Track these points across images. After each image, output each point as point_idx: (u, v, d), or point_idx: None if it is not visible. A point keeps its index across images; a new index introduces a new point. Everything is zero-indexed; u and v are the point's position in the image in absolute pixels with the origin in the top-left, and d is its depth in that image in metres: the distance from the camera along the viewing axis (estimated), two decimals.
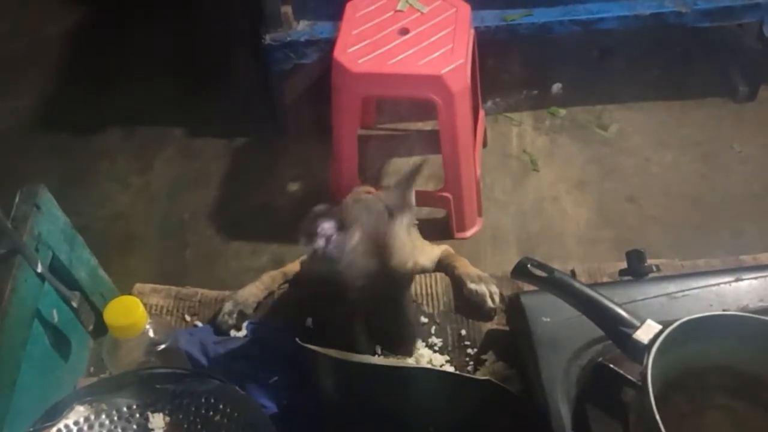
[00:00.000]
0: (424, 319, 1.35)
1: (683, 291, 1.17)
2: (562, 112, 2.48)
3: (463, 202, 2.04)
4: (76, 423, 1.02)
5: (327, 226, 1.09)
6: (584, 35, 2.27)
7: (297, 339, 1.13)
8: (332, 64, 1.89)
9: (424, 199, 2.11)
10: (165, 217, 2.27)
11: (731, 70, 2.48)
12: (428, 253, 1.45)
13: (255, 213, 2.25)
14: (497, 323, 1.33)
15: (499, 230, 2.15)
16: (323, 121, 2.09)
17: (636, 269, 1.24)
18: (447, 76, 1.81)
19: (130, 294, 1.39)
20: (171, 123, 2.54)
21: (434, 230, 2.03)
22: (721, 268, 1.30)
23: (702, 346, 0.98)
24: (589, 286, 1.05)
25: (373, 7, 2.02)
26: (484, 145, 2.34)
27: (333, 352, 1.06)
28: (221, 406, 1.04)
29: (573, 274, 1.37)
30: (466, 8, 2.00)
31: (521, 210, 2.21)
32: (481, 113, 2.27)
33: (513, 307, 1.22)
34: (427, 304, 1.37)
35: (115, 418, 1.04)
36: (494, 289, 1.35)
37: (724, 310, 1.12)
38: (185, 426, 1.04)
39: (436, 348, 1.30)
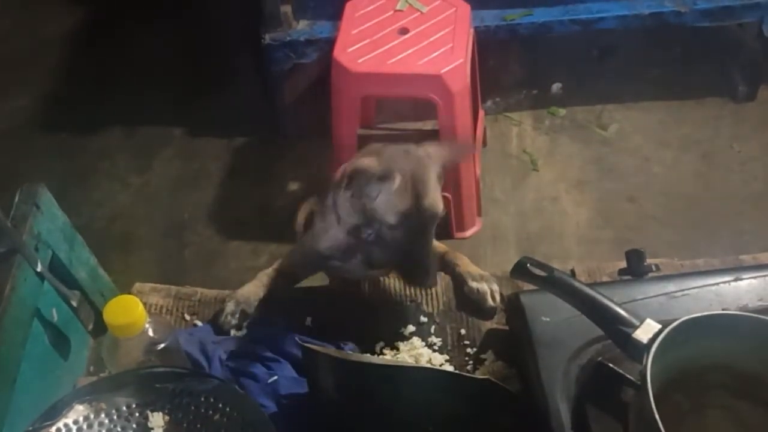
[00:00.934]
0: (423, 318, 1.35)
1: (683, 290, 1.17)
2: (562, 111, 2.49)
3: (462, 201, 2.04)
4: (75, 422, 1.02)
5: (374, 188, 1.20)
6: (584, 35, 2.27)
7: (297, 338, 1.13)
8: (332, 64, 1.89)
9: None
10: (165, 217, 2.27)
11: (731, 69, 2.48)
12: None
13: (255, 213, 2.26)
14: (497, 323, 1.33)
15: (498, 230, 2.15)
16: (323, 121, 2.09)
17: (635, 269, 1.24)
18: (447, 76, 1.81)
19: (129, 293, 1.39)
20: (171, 123, 2.54)
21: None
22: (721, 267, 1.30)
23: (701, 345, 0.98)
24: (589, 285, 1.05)
25: (372, 7, 2.02)
26: (484, 144, 2.34)
27: (333, 352, 1.06)
28: (221, 406, 1.04)
29: (573, 273, 1.37)
30: (466, 8, 2.00)
31: (521, 210, 2.21)
32: (481, 113, 2.27)
33: (512, 306, 1.22)
34: (427, 303, 1.37)
35: (115, 417, 1.04)
36: (495, 287, 1.35)
37: (723, 310, 1.12)
38: (185, 425, 1.04)
39: (436, 347, 1.30)
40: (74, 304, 1.28)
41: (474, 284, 1.35)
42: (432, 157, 1.24)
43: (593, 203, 2.21)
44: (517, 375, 1.20)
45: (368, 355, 1.12)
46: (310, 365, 1.14)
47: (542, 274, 1.07)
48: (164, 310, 1.40)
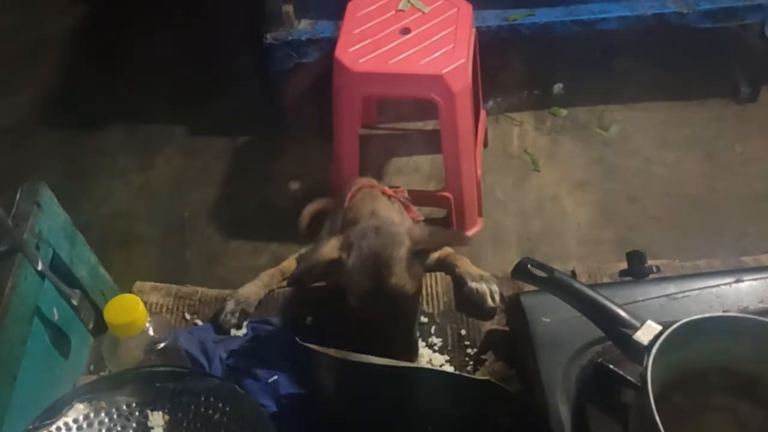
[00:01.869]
0: (423, 319, 1.34)
1: (684, 292, 1.16)
2: (564, 112, 2.48)
3: (463, 201, 2.04)
4: (75, 421, 1.02)
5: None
6: (586, 35, 2.27)
7: (297, 338, 1.13)
8: (333, 64, 1.89)
9: (424, 199, 2.11)
10: (166, 216, 2.27)
11: (733, 70, 2.48)
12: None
13: (255, 212, 2.26)
14: (497, 323, 1.33)
15: (499, 230, 2.15)
16: (324, 120, 2.09)
17: (636, 270, 1.24)
18: (448, 76, 1.81)
19: (130, 292, 1.39)
20: (172, 121, 2.54)
21: None
22: (722, 269, 1.30)
23: (702, 347, 0.98)
24: (590, 286, 1.04)
25: (374, 7, 2.01)
26: (485, 144, 2.34)
27: (332, 351, 1.06)
28: (221, 405, 1.04)
29: (573, 274, 1.37)
30: (468, 8, 2.00)
31: (522, 210, 2.21)
32: (482, 113, 2.27)
33: (513, 307, 1.22)
34: (427, 304, 1.37)
35: (115, 416, 1.04)
36: (495, 288, 1.35)
37: (724, 312, 1.12)
38: (184, 424, 1.05)
39: (436, 348, 1.30)
40: (75, 302, 1.28)
41: (474, 285, 1.35)
42: (411, 237, 1.18)
43: (594, 204, 2.21)
44: (517, 375, 1.20)
45: (368, 355, 1.12)
46: (309, 365, 1.14)
47: (543, 274, 1.07)
48: (164, 309, 1.40)
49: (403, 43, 1.90)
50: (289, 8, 2.15)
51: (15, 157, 2.42)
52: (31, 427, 0.99)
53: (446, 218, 2.09)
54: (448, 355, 1.29)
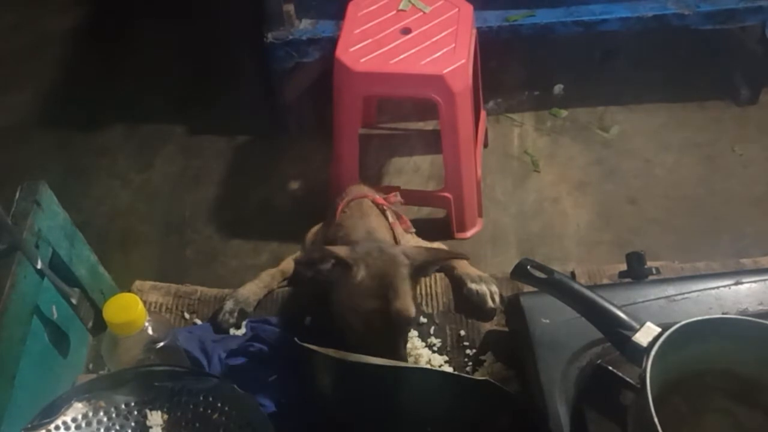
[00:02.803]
0: (423, 319, 1.35)
1: (683, 294, 1.17)
2: (564, 113, 2.48)
3: (463, 202, 2.04)
4: (74, 420, 1.02)
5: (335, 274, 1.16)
6: (586, 36, 2.27)
7: (295, 338, 1.13)
8: (334, 63, 1.88)
9: (424, 199, 2.11)
10: (165, 215, 2.27)
11: (733, 72, 2.48)
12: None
13: (255, 211, 2.25)
14: (496, 324, 1.33)
15: (499, 231, 2.15)
16: (324, 120, 2.09)
17: (636, 271, 1.24)
18: (449, 76, 1.81)
19: (129, 291, 1.39)
20: (172, 121, 2.54)
21: (434, 230, 2.02)
22: (721, 271, 1.30)
23: (701, 349, 0.98)
24: (589, 287, 1.05)
25: (375, 7, 2.01)
26: (485, 145, 2.34)
27: (331, 352, 1.06)
28: (220, 405, 1.04)
29: (573, 275, 1.37)
30: (469, 8, 2.00)
31: (522, 211, 2.21)
32: (483, 113, 2.27)
33: (512, 308, 1.22)
34: (427, 304, 1.37)
35: (114, 415, 1.04)
36: (494, 288, 1.35)
37: (723, 314, 1.12)
38: (183, 424, 1.04)
39: (435, 348, 1.30)
40: (74, 301, 1.28)
41: (473, 286, 1.35)
42: (409, 258, 1.18)
43: (594, 205, 2.21)
44: (516, 376, 1.20)
45: (367, 355, 1.12)
46: (308, 365, 1.14)
47: (542, 276, 1.07)
48: (164, 309, 1.40)
49: (404, 43, 1.90)
50: (289, 8, 2.15)
51: (15, 155, 2.41)
52: (30, 425, 0.99)
53: (446, 218, 2.09)
54: (447, 355, 1.29)
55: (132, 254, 2.14)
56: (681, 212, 2.17)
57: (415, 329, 1.32)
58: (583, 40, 2.38)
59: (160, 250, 2.17)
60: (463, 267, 1.40)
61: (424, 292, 1.39)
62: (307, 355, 1.10)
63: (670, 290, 1.17)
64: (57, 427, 1.01)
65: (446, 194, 2.03)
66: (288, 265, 1.46)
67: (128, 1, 3.01)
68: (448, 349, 1.31)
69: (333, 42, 1.96)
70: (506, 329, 1.30)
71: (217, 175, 2.37)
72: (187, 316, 1.39)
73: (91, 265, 1.37)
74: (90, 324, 1.34)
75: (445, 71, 1.81)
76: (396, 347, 1.15)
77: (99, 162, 2.44)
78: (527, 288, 1.15)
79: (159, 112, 2.56)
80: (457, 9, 1.98)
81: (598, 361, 1.09)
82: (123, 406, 1.05)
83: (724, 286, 1.17)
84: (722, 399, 1.03)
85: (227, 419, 1.03)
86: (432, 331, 1.33)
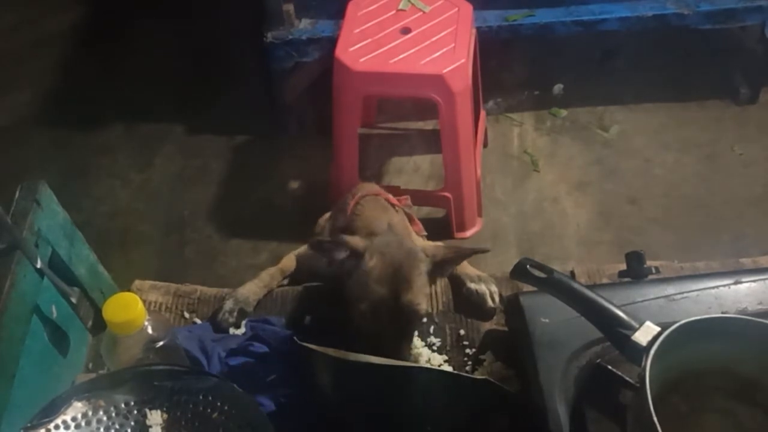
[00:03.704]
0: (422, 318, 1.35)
1: (682, 293, 1.17)
2: (564, 112, 2.48)
3: (463, 201, 2.04)
4: (74, 419, 1.02)
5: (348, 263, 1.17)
6: (586, 36, 2.27)
7: (295, 337, 1.13)
8: (334, 63, 1.89)
9: (424, 198, 2.11)
10: (165, 214, 2.27)
11: (733, 72, 2.47)
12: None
13: (255, 211, 2.25)
14: (496, 323, 1.33)
15: (499, 230, 2.15)
16: (324, 120, 2.09)
17: (635, 271, 1.24)
18: (448, 76, 1.81)
19: (129, 290, 1.39)
20: (172, 120, 2.54)
21: (434, 230, 2.02)
22: (721, 270, 1.30)
23: (700, 348, 0.98)
24: (588, 287, 1.05)
25: (374, 6, 2.01)
26: (485, 145, 2.34)
27: (331, 351, 1.06)
28: (219, 404, 1.04)
29: (572, 275, 1.37)
30: (468, 8, 2.00)
31: (521, 210, 2.21)
32: (482, 113, 2.27)
33: (512, 307, 1.22)
34: (426, 304, 1.37)
35: (113, 414, 1.04)
36: (494, 288, 1.35)
37: (722, 313, 1.12)
38: (183, 423, 1.04)
39: (435, 347, 1.30)
40: (74, 300, 1.28)
41: (473, 286, 1.35)
42: (428, 255, 1.19)
43: (594, 205, 2.21)
44: (515, 376, 1.20)
45: (366, 354, 1.12)
46: (308, 364, 1.14)
47: (542, 275, 1.07)
48: (163, 308, 1.40)
49: (404, 42, 1.90)
50: (289, 7, 2.15)
51: (15, 155, 2.41)
52: (29, 425, 0.99)
53: (446, 218, 2.09)
54: (446, 354, 1.29)
55: (132, 254, 2.13)
56: (681, 212, 2.17)
57: None
58: (582, 40, 2.38)
59: (159, 249, 2.17)
60: (462, 267, 1.40)
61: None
62: (306, 355, 1.10)
63: (670, 290, 1.17)
64: (57, 427, 1.00)
65: (446, 194, 2.03)
66: (288, 263, 1.46)
67: (128, 1, 3.01)
68: (448, 348, 1.31)
69: (333, 42, 1.96)
70: (506, 328, 1.30)
71: (216, 174, 2.37)
72: (186, 315, 1.39)
73: (91, 265, 1.37)
74: (89, 323, 1.34)
75: (444, 71, 1.81)
76: (400, 344, 1.14)
77: (99, 161, 2.44)
78: (527, 287, 1.15)
79: (159, 111, 2.56)
80: (456, 9, 1.98)
81: (598, 361, 1.09)
82: (122, 406, 1.05)
83: (724, 286, 1.17)
84: (722, 398, 1.03)
85: (227, 418, 1.03)
86: (431, 330, 1.33)
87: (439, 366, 1.26)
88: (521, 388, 1.16)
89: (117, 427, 1.04)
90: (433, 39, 1.89)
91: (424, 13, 1.98)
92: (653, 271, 1.24)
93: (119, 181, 2.38)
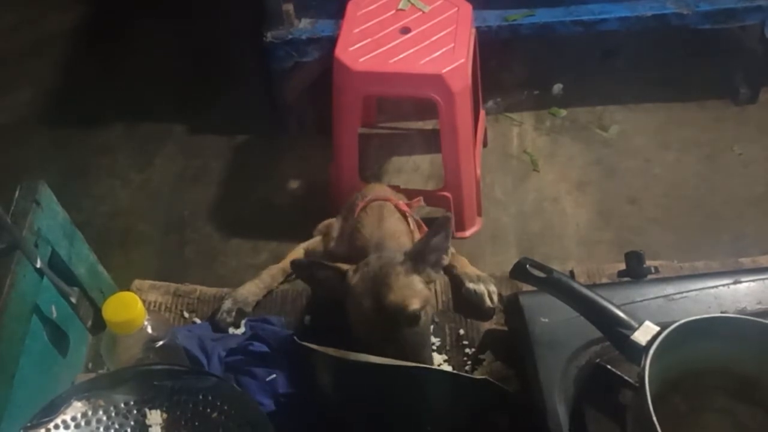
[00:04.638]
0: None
1: (682, 293, 1.17)
2: (563, 112, 2.48)
3: (463, 201, 2.04)
4: (73, 419, 1.02)
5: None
6: (586, 36, 2.27)
7: (295, 337, 1.13)
8: (333, 63, 1.89)
9: (424, 198, 2.10)
10: (165, 214, 2.27)
11: (732, 72, 2.47)
12: None
13: (255, 210, 2.25)
14: (495, 323, 1.33)
15: (498, 230, 2.15)
16: (324, 120, 2.09)
17: (635, 271, 1.24)
18: (448, 76, 1.81)
19: (128, 290, 1.39)
20: (172, 120, 2.54)
21: None
22: (720, 270, 1.30)
23: (700, 348, 0.98)
24: (588, 287, 1.05)
25: (374, 6, 2.01)
26: (485, 144, 2.34)
27: (331, 351, 1.06)
28: (219, 404, 1.04)
29: (572, 274, 1.37)
30: (468, 8, 2.00)
31: (521, 210, 2.21)
32: (482, 113, 2.27)
33: (511, 307, 1.22)
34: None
35: (113, 414, 1.04)
36: (493, 288, 1.35)
37: (722, 313, 1.12)
38: (183, 423, 1.04)
39: (434, 347, 1.30)
40: (73, 300, 1.28)
41: (472, 286, 1.35)
42: (404, 253, 1.19)
43: (593, 204, 2.21)
44: (515, 375, 1.20)
45: (366, 354, 1.12)
46: (308, 364, 1.14)
47: (541, 275, 1.07)
48: (163, 308, 1.40)
49: (403, 42, 1.90)
50: (289, 7, 2.15)
51: (14, 155, 2.41)
52: (29, 424, 0.99)
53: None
54: (446, 354, 1.29)
55: (131, 253, 2.14)
56: (680, 211, 2.17)
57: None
58: (582, 40, 2.38)
59: (159, 249, 2.17)
60: (462, 266, 1.40)
61: None
62: (306, 354, 1.10)
63: (669, 289, 1.17)
64: (56, 426, 1.01)
65: (446, 194, 2.03)
66: (288, 263, 1.46)
67: (128, 1, 3.01)
68: (447, 348, 1.30)
69: (332, 41, 1.96)
70: (505, 328, 1.30)
71: (216, 174, 2.37)
72: (186, 315, 1.39)
73: (91, 264, 1.37)
74: (89, 323, 1.34)
75: (444, 71, 1.81)
76: (402, 345, 1.11)
77: (99, 161, 2.44)
78: (526, 287, 1.15)
79: (159, 111, 2.56)
80: (456, 8, 1.98)
81: (597, 360, 1.09)
82: (122, 405, 1.05)
83: (723, 285, 1.18)
84: (721, 398, 1.03)
85: (226, 418, 1.03)
86: (431, 330, 1.33)
87: (439, 366, 1.26)
88: (521, 387, 1.16)
89: (117, 426, 1.04)
90: (433, 39, 1.89)
91: (423, 12, 1.98)
92: (653, 270, 1.24)
93: (119, 181, 2.38)
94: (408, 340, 1.12)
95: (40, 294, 1.18)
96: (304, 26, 2.19)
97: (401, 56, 1.86)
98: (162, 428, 1.04)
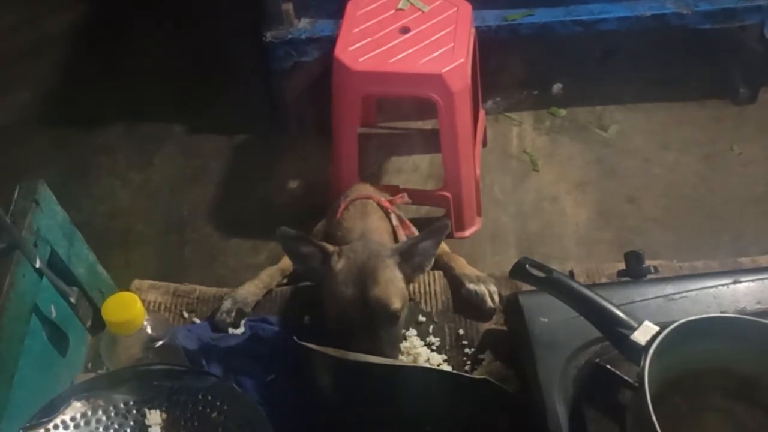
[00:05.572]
0: (422, 318, 1.35)
1: (681, 293, 1.17)
2: (563, 112, 2.48)
3: (462, 201, 2.04)
4: (73, 419, 1.02)
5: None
6: (585, 36, 2.26)
7: (294, 337, 1.13)
8: (333, 63, 1.89)
9: (423, 198, 2.11)
10: (165, 214, 2.27)
11: (732, 71, 2.47)
12: None
13: (254, 210, 2.25)
14: (495, 323, 1.33)
15: (498, 230, 2.15)
16: (323, 119, 2.09)
17: (634, 270, 1.24)
18: (447, 76, 1.81)
19: (128, 290, 1.39)
20: (172, 120, 2.54)
21: None
22: (720, 270, 1.30)
23: (699, 347, 0.98)
24: (587, 286, 1.05)
25: (374, 6, 2.01)
26: (484, 144, 2.34)
27: (331, 351, 1.06)
28: (218, 404, 1.04)
29: (571, 274, 1.37)
30: (468, 7, 2.00)
31: (521, 210, 2.21)
32: (482, 113, 2.27)
33: (511, 307, 1.23)
34: (426, 303, 1.37)
35: (112, 414, 1.04)
36: (493, 288, 1.35)
37: (721, 312, 1.13)
38: (182, 423, 1.05)
39: (434, 347, 1.30)
40: (73, 300, 1.28)
41: (472, 286, 1.35)
42: (393, 249, 1.19)
43: (593, 204, 2.21)
44: (515, 375, 1.20)
45: (366, 354, 1.12)
46: (307, 364, 1.14)
47: (541, 274, 1.07)
48: (163, 307, 1.40)
49: (403, 42, 1.90)
50: (288, 7, 2.15)
51: (14, 155, 2.41)
52: (28, 424, 0.99)
53: (445, 217, 2.09)
54: (446, 354, 1.29)
55: (131, 253, 2.14)
56: (680, 211, 2.17)
57: (413, 328, 1.33)
58: (582, 40, 2.38)
59: (159, 249, 2.17)
60: (460, 267, 1.40)
61: (422, 291, 1.39)
62: (306, 354, 1.10)
63: (669, 289, 1.17)
64: (56, 426, 1.01)
65: (445, 193, 2.03)
66: (287, 263, 1.46)
67: (128, 1, 3.01)
68: (447, 348, 1.31)
69: (332, 41, 1.96)
70: (505, 328, 1.30)
71: (216, 174, 2.37)
72: (185, 315, 1.39)
73: (90, 264, 1.37)
74: (89, 323, 1.34)
75: (443, 70, 1.81)
76: (376, 341, 1.11)
77: (98, 161, 2.44)
78: (526, 287, 1.15)
79: (159, 111, 2.56)
80: (455, 8, 1.98)
81: (597, 360, 1.09)
82: (122, 405, 1.05)
83: (723, 285, 1.18)
84: (721, 397, 1.03)
85: (226, 418, 1.04)
86: (431, 330, 1.33)
87: (439, 366, 1.26)
88: (520, 387, 1.16)
89: (116, 426, 1.04)
90: (432, 38, 1.89)
91: (423, 12, 1.98)
92: (652, 270, 1.24)
93: (119, 180, 2.38)
94: (382, 337, 1.13)
95: (39, 294, 1.18)
96: (303, 26, 2.19)
97: (401, 56, 1.86)
98: (161, 428, 1.04)
